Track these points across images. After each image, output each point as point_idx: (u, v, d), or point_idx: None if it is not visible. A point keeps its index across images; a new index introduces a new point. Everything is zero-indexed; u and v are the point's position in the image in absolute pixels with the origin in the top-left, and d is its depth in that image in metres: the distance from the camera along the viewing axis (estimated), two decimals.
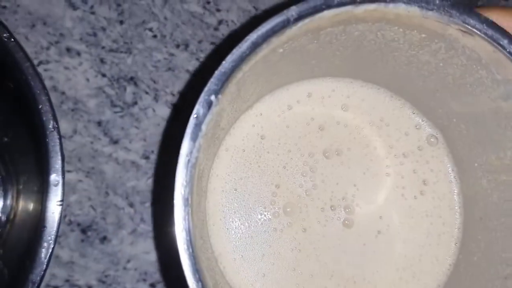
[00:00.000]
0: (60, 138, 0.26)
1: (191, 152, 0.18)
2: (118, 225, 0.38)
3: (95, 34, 0.40)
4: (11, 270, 0.35)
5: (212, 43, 0.41)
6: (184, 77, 0.40)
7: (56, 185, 0.26)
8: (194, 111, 0.18)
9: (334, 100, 0.27)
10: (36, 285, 0.25)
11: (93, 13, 0.40)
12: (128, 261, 0.37)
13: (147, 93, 0.40)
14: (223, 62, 0.18)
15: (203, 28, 0.41)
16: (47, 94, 0.27)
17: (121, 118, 0.39)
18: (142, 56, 0.40)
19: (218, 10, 0.41)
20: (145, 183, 0.38)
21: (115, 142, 0.38)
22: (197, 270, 0.17)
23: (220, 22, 0.41)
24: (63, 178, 0.26)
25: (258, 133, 0.27)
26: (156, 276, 0.37)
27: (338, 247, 0.27)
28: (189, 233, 0.17)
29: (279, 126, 0.27)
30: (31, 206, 0.36)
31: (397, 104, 0.28)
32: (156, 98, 0.40)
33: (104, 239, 0.37)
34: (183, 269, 0.17)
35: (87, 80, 0.39)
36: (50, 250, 0.25)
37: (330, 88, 0.27)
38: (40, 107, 0.26)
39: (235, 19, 0.41)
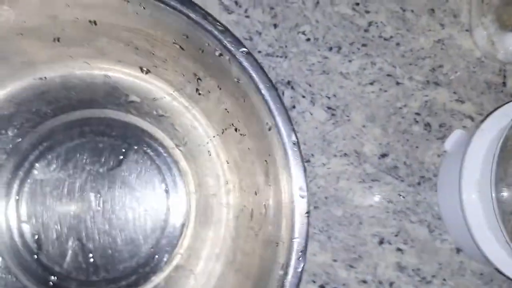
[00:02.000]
0: (301, 153, 0.27)
1: None
2: None
3: (251, 38, 0.40)
4: None
5: (363, 44, 0.41)
6: (338, 80, 0.40)
7: (303, 197, 0.26)
8: None
9: None
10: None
11: (247, 16, 0.40)
12: None
13: (303, 96, 0.40)
14: None
15: (353, 30, 0.41)
16: (283, 103, 0.27)
17: None
18: (297, 60, 0.40)
19: (367, 12, 0.41)
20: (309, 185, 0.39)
21: None
22: None
23: (370, 23, 0.41)
24: (307, 190, 0.27)
25: None
26: (324, 277, 0.38)
27: None
28: None
29: None
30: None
31: None
32: (312, 102, 0.40)
33: None
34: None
35: None
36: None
37: None
38: (279, 121, 0.27)
39: (384, 20, 0.41)
